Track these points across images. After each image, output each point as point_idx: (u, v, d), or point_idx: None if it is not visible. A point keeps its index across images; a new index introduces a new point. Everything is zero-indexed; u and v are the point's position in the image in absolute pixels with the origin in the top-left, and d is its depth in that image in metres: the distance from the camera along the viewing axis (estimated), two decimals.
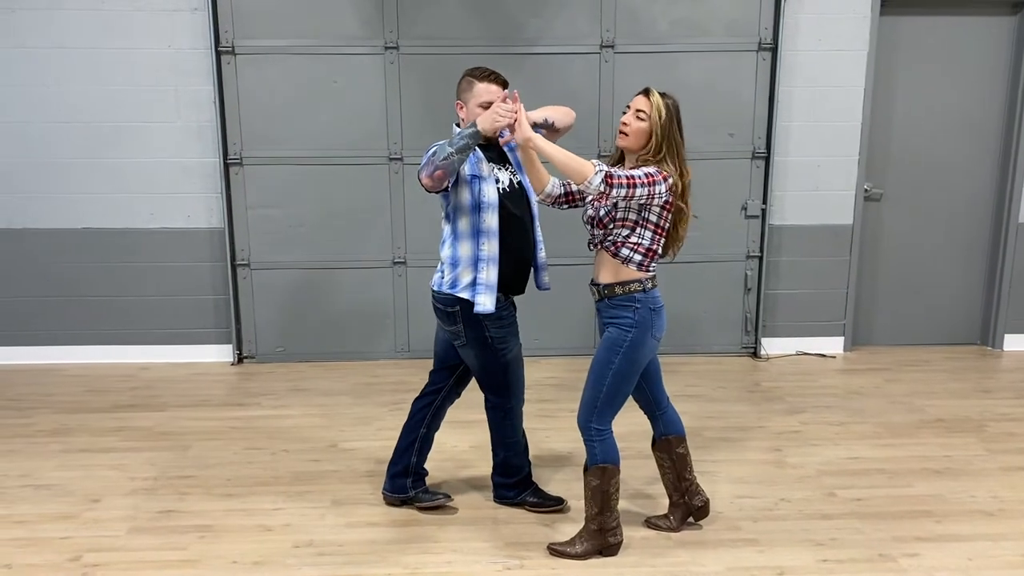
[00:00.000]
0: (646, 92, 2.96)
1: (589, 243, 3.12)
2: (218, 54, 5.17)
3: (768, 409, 4.69)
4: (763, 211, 5.51)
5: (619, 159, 3.08)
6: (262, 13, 5.15)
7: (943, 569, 3.07)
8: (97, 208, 5.36)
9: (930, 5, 5.42)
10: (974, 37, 5.48)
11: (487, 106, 3.05)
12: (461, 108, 3.19)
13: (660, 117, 2.90)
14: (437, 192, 3.12)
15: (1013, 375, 5.32)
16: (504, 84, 3.14)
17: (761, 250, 5.57)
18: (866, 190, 5.59)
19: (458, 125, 3.22)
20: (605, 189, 2.81)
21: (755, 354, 5.70)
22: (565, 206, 3.17)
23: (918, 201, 5.69)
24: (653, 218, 2.96)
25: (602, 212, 2.99)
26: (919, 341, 5.89)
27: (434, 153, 2.99)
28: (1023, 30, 5.42)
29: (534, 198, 3.28)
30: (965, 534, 3.32)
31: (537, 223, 3.32)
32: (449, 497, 3.51)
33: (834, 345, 5.76)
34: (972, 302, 5.89)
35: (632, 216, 2.95)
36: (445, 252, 3.23)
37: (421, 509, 3.49)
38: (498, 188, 3.15)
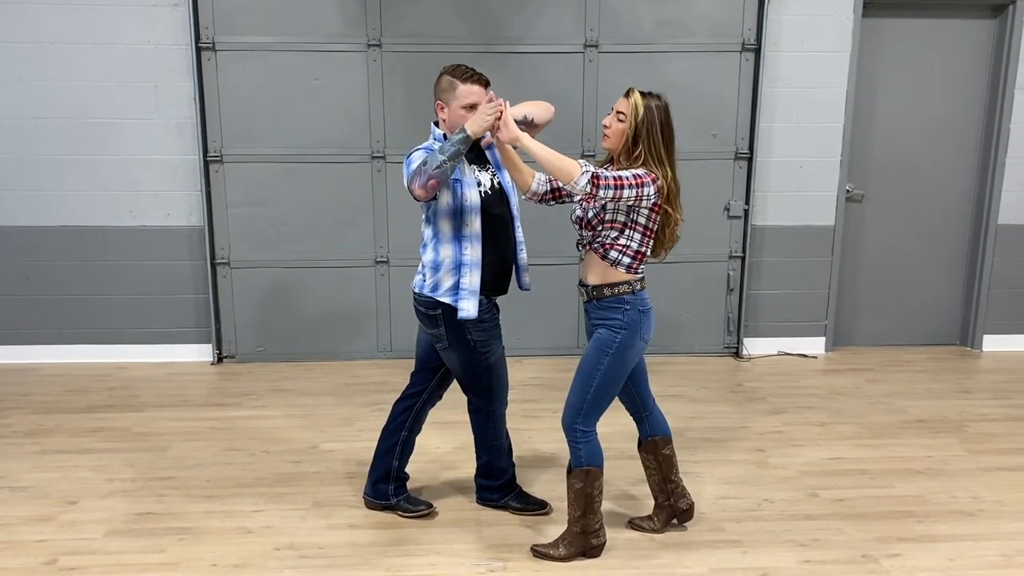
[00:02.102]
0: (627, 93, 2.94)
1: (577, 243, 3.10)
2: (198, 50, 5.11)
3: (750, 409, 4.70)
4: (745, 211, 5.52)
5: (609, 160, 3.05)
6: (243, 9, 5.10)
7: (925, 570, 3.08)
8: (75, 205, 5.29)
9: (912, 7, 5.45)
10: (955, 39, 5.52)
11: (470, 108, 2.98)
12: (442, 109, 3.09)
13: (636, 115, 2.88)
14: (428, 201, 3.05)
15: (992, 376, 5.37)
16: (486, 84, 3.06)
17: (743, 250, 5.58)
18: (848, 191, 5.62)
19: (437, 125, 3.16)
20: (591, 190, 2.78)
21: (737, 354, 5.71)
22: (552, 202, 3.15)
23: (899, 202, 5.73)
24: (642, 220, 2.93)
25: (590, 213, 2.97)
26: (900, 342, 5.93)
27: (424, 162, 2.90)
28: (1003, 32, 5.47)
29: (514, 198, 3.24)
30: (946, 534, 3.34)
31: (518, 223, 3.28)
32: (431, 506, 3.48)
33: (815, 345, 5.78)
34: (952, 303, 5.93)
35: (621, 218, 2.93)
36: (427, 256, 3.16)
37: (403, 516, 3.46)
38: (479, 191, 3.10)
